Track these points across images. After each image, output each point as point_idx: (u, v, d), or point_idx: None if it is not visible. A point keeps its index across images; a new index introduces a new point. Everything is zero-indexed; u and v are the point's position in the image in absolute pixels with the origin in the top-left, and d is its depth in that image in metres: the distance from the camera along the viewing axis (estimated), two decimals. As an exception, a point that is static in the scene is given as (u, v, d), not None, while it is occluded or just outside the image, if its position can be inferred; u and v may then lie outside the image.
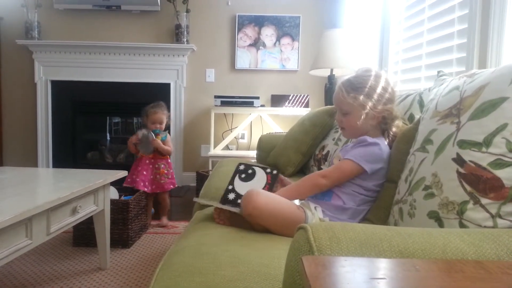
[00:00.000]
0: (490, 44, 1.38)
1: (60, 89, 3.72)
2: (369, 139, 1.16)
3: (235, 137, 3.70)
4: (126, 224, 2.10)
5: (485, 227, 0.71)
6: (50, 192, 1.46)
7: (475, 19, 1.44)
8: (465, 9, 1.55)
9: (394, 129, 1.22)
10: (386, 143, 1.20)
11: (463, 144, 0.77)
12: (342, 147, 1.42)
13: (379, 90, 1.18)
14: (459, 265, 0.49)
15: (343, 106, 1.21)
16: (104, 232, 1.81)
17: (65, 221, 1.47)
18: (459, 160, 0.76)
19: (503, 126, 0.71)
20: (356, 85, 1.19)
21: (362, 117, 1.17)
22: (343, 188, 1.15)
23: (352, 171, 1.13)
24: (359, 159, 1.12)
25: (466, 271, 0.46)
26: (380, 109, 1.17)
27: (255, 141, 3.54)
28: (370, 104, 1.17)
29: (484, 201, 0.71)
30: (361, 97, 1.17)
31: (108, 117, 4.08)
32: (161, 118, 2.57)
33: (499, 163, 0.70)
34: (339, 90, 1.22)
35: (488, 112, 0.74)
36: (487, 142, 0.72)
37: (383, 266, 0.49)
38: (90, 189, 1.58)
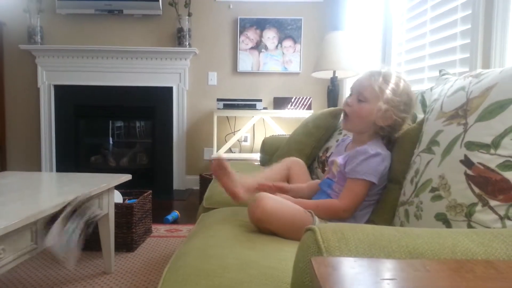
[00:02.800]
0: (494, 44, 1.38)
1: (63, 93, 3.73)
2: (371, 151, 1.13)
3: (238, 140, 3.70)
4: (130, 227, 2.10)
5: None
6: (54, 196, 1.46)
7: (478, 19, 1.44)
8: (468, 9, 1.55)
9: (394, 135, 1.20)
10: (384, 147, 1.18)
11: (471, 145, 0.76)
12: (336, 150, 1.39)
13: (405, 94, 1.15)
14: (469, 265, 0.48)
15: (365, 92, 1.16)
16: (108, 236, 1.81)
17: (70, 225, 1.47)
18: (467, 162, 0.76)
19: None
20: (387, 79, 1.15)
21: (376, 111, 1.14)
22: None
23: (367, 189, 1.13)
24: (369, 176, 1.11)
25: (476, 271, 0.46)
26: (396, 112, 1.14)
27: (258, 144, 3.54)
28: (393, 102, 1.13)
29: (492, 203, 0.71)
30: (388, 92, 1.13)
31: (110, 121, 4.09)
32: None
33: (508, 165, 0.70)
34: (369, 75, 1.18)
35: (496, 113, 0.74)
36: (496, 143, 0.72)
37: (393, 266, 0.48)
38: (94, 193, 1.58)
